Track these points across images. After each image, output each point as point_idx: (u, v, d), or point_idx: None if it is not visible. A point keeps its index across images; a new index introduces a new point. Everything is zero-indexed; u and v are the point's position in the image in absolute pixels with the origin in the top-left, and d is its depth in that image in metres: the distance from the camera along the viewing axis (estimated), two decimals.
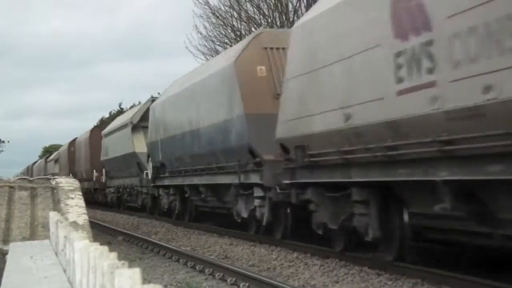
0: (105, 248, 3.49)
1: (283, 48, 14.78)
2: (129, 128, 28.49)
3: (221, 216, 19.29)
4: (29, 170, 79.21)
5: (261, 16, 32.13)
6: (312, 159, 11.53)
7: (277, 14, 31.02)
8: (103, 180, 35.87)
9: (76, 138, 46.26)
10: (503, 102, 6.91)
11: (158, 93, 29.72)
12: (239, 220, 16.31)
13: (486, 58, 7.11)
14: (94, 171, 37.15)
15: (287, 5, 31.20)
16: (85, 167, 40.21)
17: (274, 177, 13.66)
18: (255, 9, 32.38)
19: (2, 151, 75.91)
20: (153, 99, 26.66)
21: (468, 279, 8.83)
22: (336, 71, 10.54)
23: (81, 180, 39.51)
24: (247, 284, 9.89)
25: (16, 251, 7.98)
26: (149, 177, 24.30)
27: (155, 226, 21.98)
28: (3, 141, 73.79)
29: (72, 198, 11.49)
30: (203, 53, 34.40)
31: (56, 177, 13.75)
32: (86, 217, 10.71)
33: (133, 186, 28.94)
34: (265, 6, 32.05)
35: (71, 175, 41.89)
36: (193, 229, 19.65)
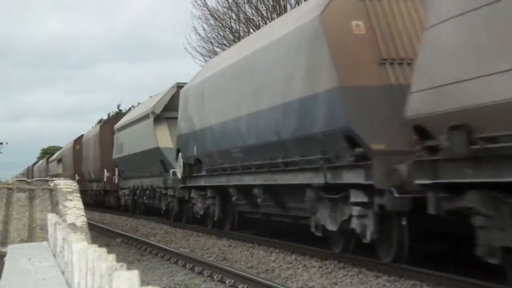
0: (104, 250, 3.48)
1: None
2: (150, 120, 24.05)
3: (274, 224, 16.60)
4: (29, 171, 77.56)
5: (259, 18, 32.16)
6: (486, 145, 7.49)
7: (276, 16, 31.00)
8: (116, 181, 31.84)
9: (83, 135, 42.71)
10: None
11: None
12: (318, 234, 12.12)
13: None
14: (105, 170, 33.29)
15: (285, 7, 31.20)
16: (94, 166, 36.44)
17: (388, 176, 9.95)
18: (253, 11, 32.41)
19: (0, 152, 75.77)
20: (179, 85, 23.02)
21: (467, 281, 8.82)
22: None
23: (89, 181, 38.13)
24: (245, 286, 9.87)
25: (14, 253, 7.97)
26: (178, 176, 19.99)
27: (154, 228, 21.97)
28: (1, 143, 73.67)
29: (71, 200, 11.47)
30: (201, 55, 34.42)
31: (54, 179, 13.73)
32: (84, 219, 10.70)
33: (154, 187, 24.52)
34: (264, 8, 32.07)
35: (76, 175, 39.76)
36: (192, 231, 19.63)
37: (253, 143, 14.44)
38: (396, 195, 9.80)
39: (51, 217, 8.25)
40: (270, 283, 9.66)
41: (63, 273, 5.77)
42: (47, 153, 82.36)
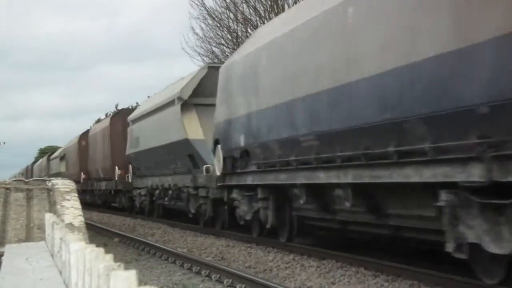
0: (101, 249, 3.48)
1: None
2: (176, 107, 20.22)
3: (358, 236, 12.73)
4: (28, 171, 75.17)
5: (257, 17, 32.14)
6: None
7: (273, 16, 30.99)
8: (129, 179, 28.12)
9: (89, 129, 39.53)
10: None
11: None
12: (462, 256, 8.12)
13: None
14: (116, 168, 29.54)
15: (283, 7, 31.20)
16: (103, 163, 32.76)
17: None
18: (251, 10, 32.41)
19: None
20: (211, 66, 20.33)
21: (465, 281, 8.83)
22: None
23: (97, 180, 34.76)
24: (243, 285, 9.87)
25: (12, 253, 7.96)
26: (217, 173, 16.39)
27: (152, 227, 21.95)
28: None
29: (68, 200, 11.46)
30: (200, 55, 34.41)
31: (52, 178, 13.72)
32: (82, 218, 10.69)
33: (179, 187, 20.80)
34: (261, 8, 32.07)
35: (82, 174, 37.44)
36: (190, 231, 19.63)
37: (339, 127, 10.44)
38: None
39: (49, 217, 8.24)
40: (268, 282, 9.65)
41: (60, 273, 5.76)
42: (44, 153, 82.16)
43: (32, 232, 11.05)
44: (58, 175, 43.77)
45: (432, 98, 8.18)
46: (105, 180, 32.38)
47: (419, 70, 8.41)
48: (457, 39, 7.68)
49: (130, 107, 33.52)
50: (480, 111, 7.36)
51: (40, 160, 69.09)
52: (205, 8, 33.61)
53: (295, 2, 30.43)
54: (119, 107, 37.08)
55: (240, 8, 32.67)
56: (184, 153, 19.92)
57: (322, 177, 11.24)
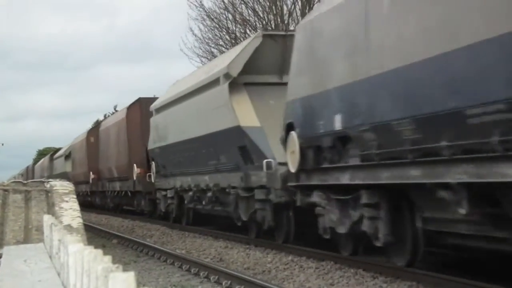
0: (99, 251, 3.47)
1: None
2: (223, 87, 15.80)
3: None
4: (28, 172, 72.02)
5: (256, 19, 32.15)
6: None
7: (272, 17, 31.01)
8: (151, 179, 23.61)
9: (100, 123, 35.97)
10: None
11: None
12: None
13: None
14: (135, 166, 25.25)
15: (282, 8, 31.21)
16: (117, 161, 28.78)
17: None
18: (250, 11, 32.40)
19: None
20: (266, 33, 16.25)
21: (464, 282, 8.82)
22: None
23: (109, 180, 30.90)
24: (242, 287, 9.87)
25: (10, 254, 7.95)
26: (291, 169, 12.30)
27: (150, 229, 21.94)
28: None
29: (67, 201, 11.46)
30: (198, 56, 34.40)
31: (50, 180, 13.72)
32: (80, 220, 10.69)
33: (223, 187, 16.54)
34: (260, 9, 32.06)
35: (91, 173, 34.37)
36: (188, 232, 19.61)
37: None
38: None
39: (47, 219, 8.24)
40: (267, 284, 9.65)
41: (59, 274, 5.76)
42: (43, 154, 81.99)
43: (30, 234, 11.05)
44: (63, 175, 42.05)
45: None
46: (120, 180, 28.40)
47: None
48: None
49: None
50: None
51: (42, 160, 65.16)
52: (203, 9, 33.62)
53: (293, 3, 30.46)
54: (118, 108, 35.83)
55: (238, 9, 32.67)
56: (232, 145, 15.61)
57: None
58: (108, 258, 3.17)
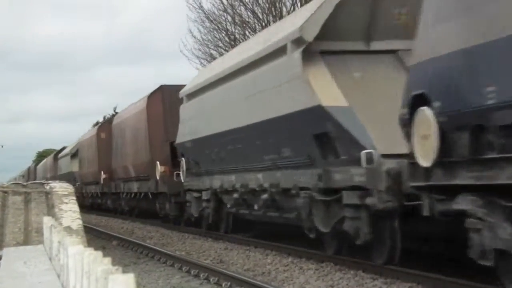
0: (99, 253, 3.47)
1: None
2: (293, 57, 12.20)
3: None
4: (30, 172, 69.36)
5: (255, 20, 32.17)
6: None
7: (271, 18, 31.04)
8: (180, 178, 19.95)
9: (113, 118, 32.93)
10: None
11: None
12: None
13: None
14: (158, 164, 22.01)
15: (281, 9, 31.24)
16: (135, 159, 25.34)
17: None
18: (249, 13, 32.42)
19: None
20: None
21: (463, 283, 8.82)
22: None
23: (124, 180, 27.25)
24: None
25: (10, 256, 7.96)
26: (419, 163, 8.36)
27: (150, 230, 21.93)
28: None
29: (66, 203, 11.46)
30: (198, 57, 34.42)
31: (50, 181, 13.73)
32: (80, 222, 10.69)
33: (283, 188, 13.18)
34: (259, 10, 32.08)
35: (102, 173, 31.40)
36: (188, 234, 19.60)
37: None
38: None
39: (47, 220, 8.24)
40: (267, 285, 9.65)
41: (58, 276, 5.76)
42: (43, 156, 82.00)
43: (30, 236, 11.05)
44: (68, 175, 40.90)
45: None
46: (139, 180, 24.85)
47: None
48: None
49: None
50: None
51: (45, 160, 61.54)
52: (203, 11, 33.65)
53: (292, 5, 30.48)
54: (118, 110, 35.41)
55: (238, 10, 32.70)
56: (304, 133, 11.93)
57: None
58: (108, 260, 3.18)
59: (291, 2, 30.83)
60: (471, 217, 7.69)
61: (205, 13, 33.58)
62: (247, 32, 31.99)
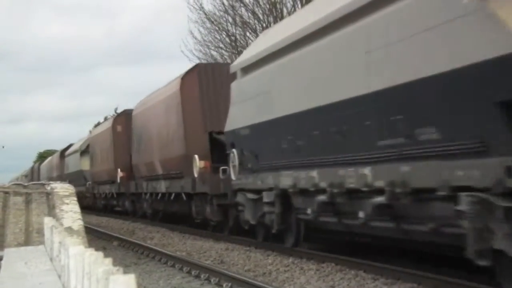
0: (100, 253, 3.48)
1: None
2: None
3: None
4: (33, 172, 65.89)
5: (255, 21, 32.19)
6: None
7: (272, 19, 31.04)
8: (226, 176, 16.21)
9: (130, 109, 28.19)
10: None
11: None
12: None
13: None
14: (197, 157, 18.14)
15: (281, 10, 31.25)
16: (163, 153, 21.34)
17: None
18: (249, 14, 32.44)
19: None
20: None
21: (463, 284, 8.82)
22: None
23: (148, 179, 23.62)
24: None
25: (11, 257, 7.96)
26: None
27: (151, 231, 21.92)
28: None
29: (67, 204, 11.46)
30: (198, 58, 34.43)
31: (50, 182, 13.73)
32: (81, 222, 10.70)
33: (414, 188, 9.10)
34: (260, 11, 32.10)
35: (119, 171, 27.92)
36: (189, 234, 19.60)
37: None
38: None
39: (48, 221, 8.25)
40: (267, 286, 9.65)
41: (59, 277, 5.76)
42: (43, 157, 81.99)
43: (31, 236, 11.05)
44: (77, 174, 38.68)
45: None
46: (169, 179, 21.19)
47: None
48: None
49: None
50: None
51: (50, 158, 57.50)
52: (203, 11, 33.68)
53: (293, 5, 30.49)
54: (118, 111, 32.13)
55: (238, 11, 32.71)
56: (478, 100, 7.78)
57: None
58: (108, 261, 3.18)
59: (291, 3, 30.86)
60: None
61: (205, 14, 33.64)
62: (247, 33, 32.02)
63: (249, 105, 14.65)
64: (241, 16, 32.71)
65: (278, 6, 31.34)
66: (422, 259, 11.11)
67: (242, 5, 32.29)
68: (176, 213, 21.82)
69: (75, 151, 40.97)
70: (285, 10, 30.93)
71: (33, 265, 6.75)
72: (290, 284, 10.46)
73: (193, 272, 12.03)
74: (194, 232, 19.64)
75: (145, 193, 24.74)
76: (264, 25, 30.98)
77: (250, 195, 14.80)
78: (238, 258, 13.67)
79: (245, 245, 15.69)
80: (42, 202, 12.34)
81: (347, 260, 11.62)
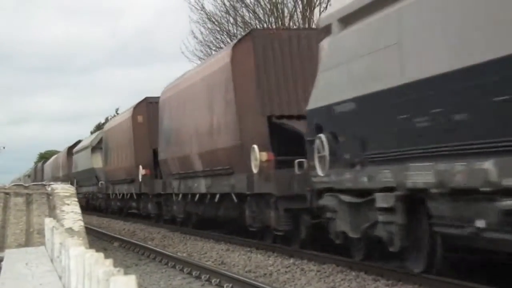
0: (101, 254, 3.47)
1: None
2: None
3: None
4: (37, 172, 62.15)
5: (256, 21, 32.20)
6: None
7: (273, 19, 31.06)
8: (318, 171, 11.49)
9: (154, 98, 24.43)
10: None
11: None
12: None
13: None
14: (256, 149, 14.21)
15: (282, 10, 31.28)
16: (203, 145, 17.51)
17: None
18: (250, 14, 32.46)
19: None
20: None
21: (465, 285, 8.81)
22: None
23: (183, 177, 19.49)
24: None
25: (12, 257, 7.96)
26: None
27: (151, 232, 21.92)
28: None
29: (68, 204, 11.47)
30: (199, 58, 34.47)
31: (51, 183, 13.73)
32: (81, 223, 10.70)
33: None
34: (261, 11, 32.13)
35: (141, 168, 24.35)
36: (190, 235, 19.59)
37: None
38: None
39: (49, 222, 8.25)
40: (268, 287, 9.64)
41: (60, 278, 5.76)
42: (44, 157, 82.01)
43: (31, 237, 11.05)
44: (88, 173, 34.73)
45: None
46: (211, 176, 17.18)
47: None
48: None
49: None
50: None
51: (55, 157, 52.99)
52: (205, 12, 33.72)
53: (294, 6, 30.51)
54: (120, 111, 32.96)
55: (239, 12, 32.74)
56: None
57: None
58: (109, 262, 3.18)
59: (292, 3, 30.88)
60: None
61: (207, 14, 33.67)
62: None
63: (356, 68, 10.43)
64: (242, 17, 32.76)
65: (279, 6, 31.37)
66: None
67: (243, 5, 32.32)
68: (220, 219, 17.92)
69: (85, 148, 36.42)
70: (286, 11, 30.97)
71: (33, 266, 6.75)
72: (291, 285, 10.45)
73: (193, 273, 12.03)
74: (195, 233, 19.62)
75: (176, 194, 20.52)
76: (265, 25, 31.01)
77: (348, 198, 10.81)
78: (239, 259, 13.67)
79: (246, 246, 15.69)
80: (43, 203, 12.34)
81: (348, 261, 11.61)
